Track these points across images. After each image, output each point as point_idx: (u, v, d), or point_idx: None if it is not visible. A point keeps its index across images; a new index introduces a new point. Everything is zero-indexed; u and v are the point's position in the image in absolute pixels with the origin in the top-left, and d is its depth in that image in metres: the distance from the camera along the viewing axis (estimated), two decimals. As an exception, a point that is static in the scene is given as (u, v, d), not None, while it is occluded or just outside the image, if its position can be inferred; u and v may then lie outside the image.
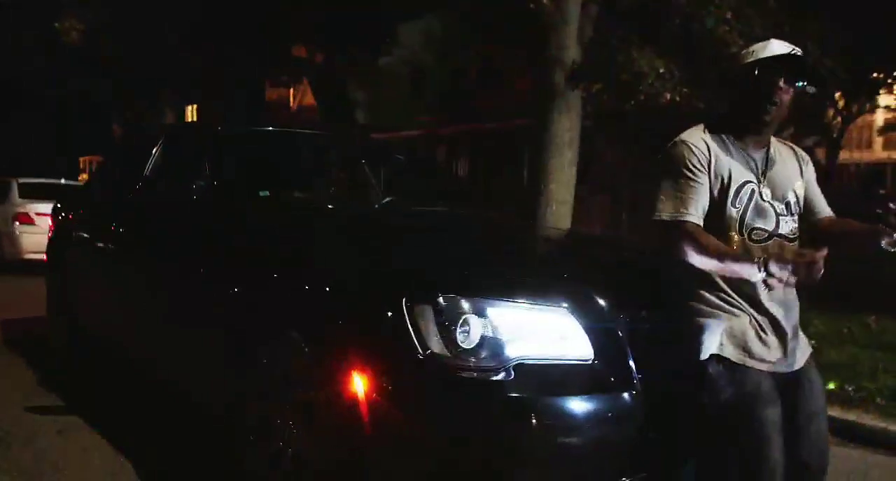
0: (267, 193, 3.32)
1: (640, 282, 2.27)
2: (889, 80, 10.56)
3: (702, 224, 2.12)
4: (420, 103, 23.56)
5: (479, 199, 4.38)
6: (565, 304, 2.12)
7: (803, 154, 2.36)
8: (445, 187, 4.53)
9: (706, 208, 2.13)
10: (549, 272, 2.28)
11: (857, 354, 4.95)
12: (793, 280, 2.03)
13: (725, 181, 2.13)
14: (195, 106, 30.38)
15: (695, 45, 6.82)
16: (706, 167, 2.13)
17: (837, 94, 10.46)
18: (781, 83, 2.12)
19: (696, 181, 2.12)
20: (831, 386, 4.35)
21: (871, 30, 8.79)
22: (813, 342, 5.42)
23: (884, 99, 11.13)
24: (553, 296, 2.13)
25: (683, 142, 2.17)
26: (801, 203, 2.27)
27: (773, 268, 1.98)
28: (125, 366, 4.24)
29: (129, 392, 4.25)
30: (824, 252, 1.94)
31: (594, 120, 8.01)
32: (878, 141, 13.09)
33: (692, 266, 2.09)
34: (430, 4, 17.03)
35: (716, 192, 2.14)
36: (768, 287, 2.07)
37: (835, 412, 4.09)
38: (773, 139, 2.28)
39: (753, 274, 2.01)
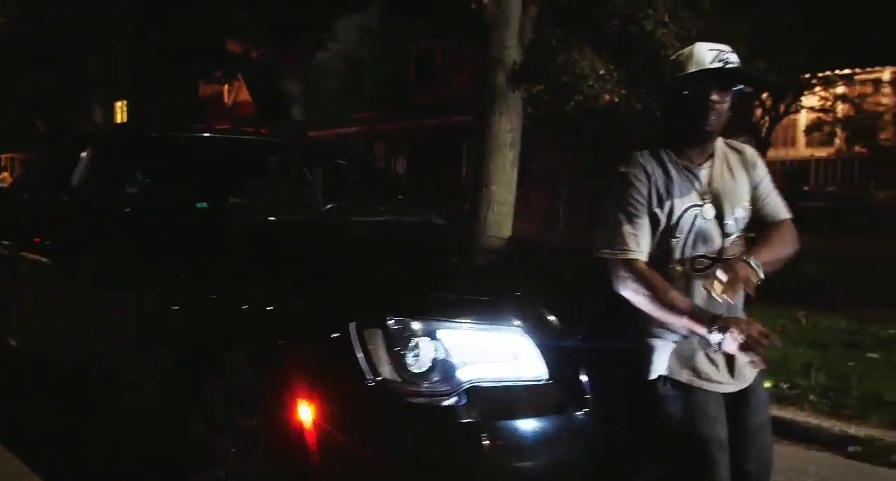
0: (205, 205, 3.18)
1: (593, 297, 2.24)
2: (813, 81, 10.97)
3: (646, 257, 2.07)
4: (358, 99, 23.35)
5: (423, 204, 4.32)
6: (518, 323, 2.09)
7: (751, 155, 2.24)
8: (389, 192, 4.44)
9: (650, 240, 2.09)
10: (501, 290, 2.23)
11: (791, 351, 5.09)
12: (741, 356, 1.98)
13: (667, 211, 2.07)
14: (124, 102, 29.37)
15: (633, 47, 6.91)
16: (647, 199, 2.07)
17: (765, 95, 10.80)
18: (715, 96, 2.02)
19: (637, 216, 2.07)
20: (767, 384, 4.45)
21: (798, 32, 9.09)
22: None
23: (807, 100, 11.56)
24: (506, 316, 2.10)
25: (625, 173, 2.10)
26: (749, 214, 2.20)
27: (728, 337, 1.94)
28: (56, 380, 4.03)
29: (62, 407, 4.03)
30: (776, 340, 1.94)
31: (533, 120, 8.04)
32: (802, 139, 13.60)
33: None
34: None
35: (657, 223, 2.08)
36: (717, 347, 1.99)
37: (771, 410, 4.19)
38: (720, 143, 2.18)
39: (710, 336, 1.95)
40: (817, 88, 11.11)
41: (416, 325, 1.99)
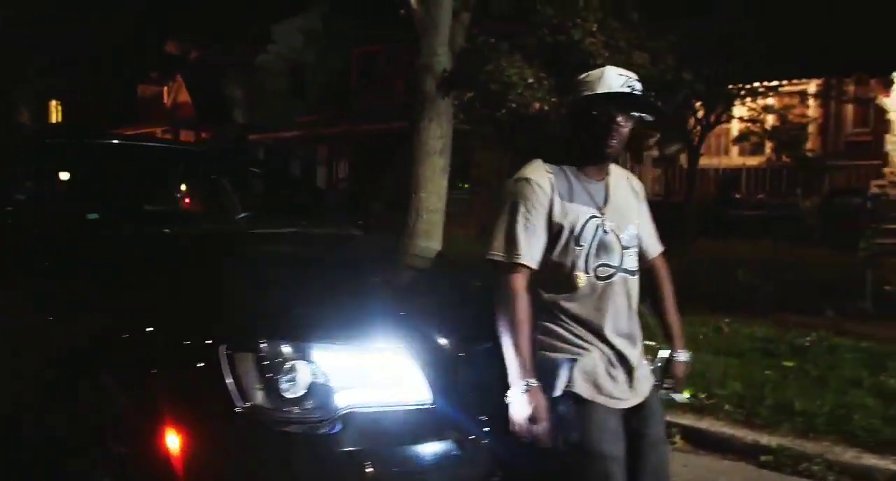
0: (96, 216, 3.01)
1: (486, 314, 2.17)
2: (742, 93, 11.26)
3: (536, 264, 2.08)
4: (301, 102, 23.08)
5: (340, 213, 4.20)
6: (401, 345, 2.00)
7: (639, 186, 2.35)
8: (306, 202, 4.32)
9: (543, 247, 2.09)
10: (385, 310, 2.14)
11: (710, 361, 5.14)
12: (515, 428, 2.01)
13: (570, 220, 2.10)
14: (58, 102, 28.41)
15: (563, 56, 6.93)
16: (547, 207, 2.09)
17: (698, 104, 11.02)
18: (620, 119, 2.10)
19: (532, 222, 2.07)
20: (686, 394, 4.49)
21: (727, 45, 9.30)
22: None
23: (738, 110, 11.86)
24: (388, 337, 2.00)
25: (527, 179, 2.12)
26: (638, 233, 2.26)
27: (524, 399, 1.97)
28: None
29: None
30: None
31: (472, 125, 8.02)
32: (735, 148, 13.95)
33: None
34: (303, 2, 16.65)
35: (560, 232, 2.10)
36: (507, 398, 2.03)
37: (688, 420, 4.23)
38: (612, 166, 2.26)
39: (514, 386, 1.99)
40: (748, 99, 11.41)
41: (289, 349, 1.88)
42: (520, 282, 2.05)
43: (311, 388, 1.89)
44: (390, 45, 19.25)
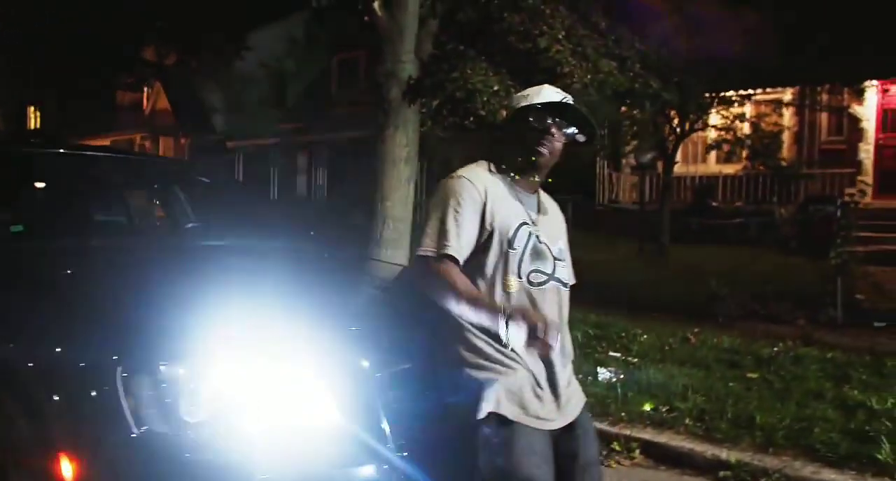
0: (21, 228, 2.89)
1: (408, 334, 2.08)
2: (716, 101, 11.29)
3: (463, 258, 2.03)
4: (281, 109, 22.95)
5: (293, 225, 4.09)
6: (313, 366, 1.90)
7: (560, 214, 2.35)
8: (255, 211, 4.21)
9: (472, 243, 2.05)
10: (300, 329, 2.02)
11: (674, 372, 5.06)
12: (529, 346, 1.96)
13: (504, 223, 2.08)
14: (34, 107, 28.08)
15: (531, 64, 6.87)
16: (481, 205, 2.06)
17: (673, 112, 11.02)
18: (554, 131, 2.10)
19: (462, 217, 2.04)
20: (647, 407, 4.42)
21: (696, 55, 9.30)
22: (636, 360, 5.52)
23: (713, 118, 11.89)
24: (300, 359, 1.90)
25: (462, 177, 2.11)
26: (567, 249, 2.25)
27: (513, 326, 1.92)
28: None
29: None
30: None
31: (441, 132, 7.94)
32: (712, 155, 13.95)
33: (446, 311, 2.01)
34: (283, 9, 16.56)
35: (493, 234, 2.07)
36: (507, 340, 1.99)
37: (648, 434, 4.15)
38: (541, 191, 2.26)
39: (496, 324, 1.95)
40: (721, 108, 11.44)
41: (190, 370, 1.78)
42: (448, 263, 2.01)
43: (214, 412, 1.78)
44: (371, 51, 19.17)
